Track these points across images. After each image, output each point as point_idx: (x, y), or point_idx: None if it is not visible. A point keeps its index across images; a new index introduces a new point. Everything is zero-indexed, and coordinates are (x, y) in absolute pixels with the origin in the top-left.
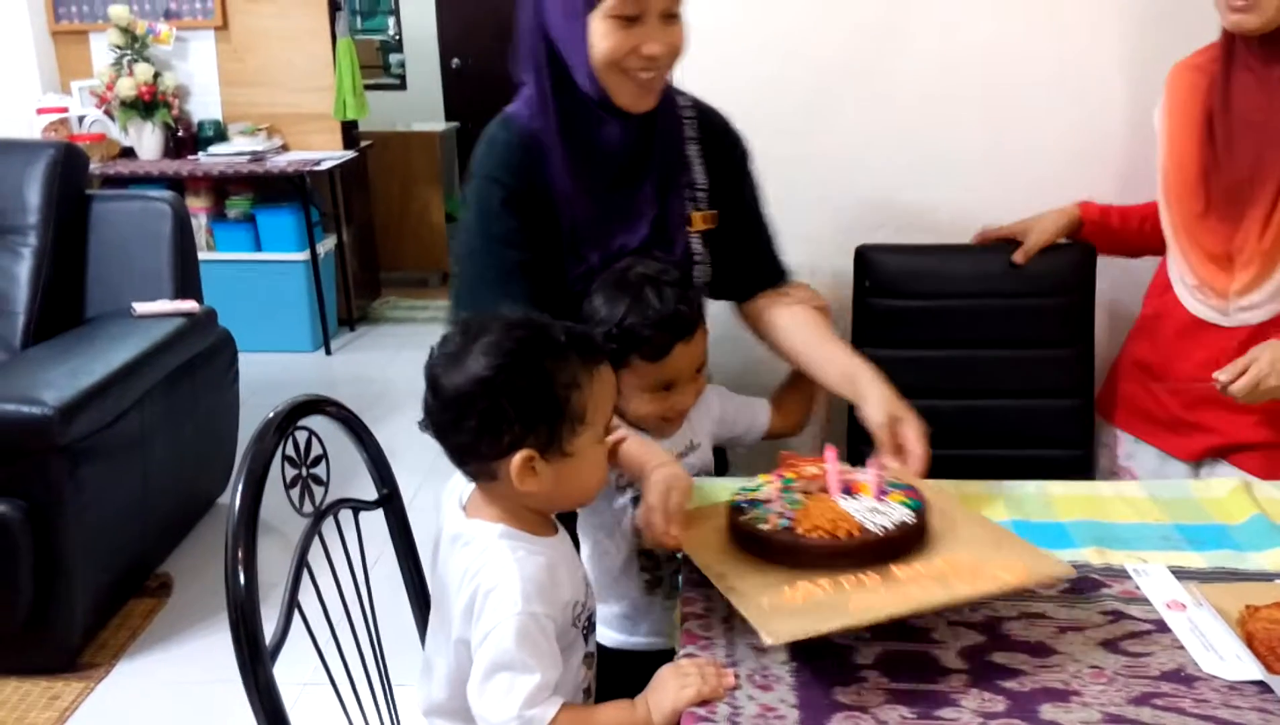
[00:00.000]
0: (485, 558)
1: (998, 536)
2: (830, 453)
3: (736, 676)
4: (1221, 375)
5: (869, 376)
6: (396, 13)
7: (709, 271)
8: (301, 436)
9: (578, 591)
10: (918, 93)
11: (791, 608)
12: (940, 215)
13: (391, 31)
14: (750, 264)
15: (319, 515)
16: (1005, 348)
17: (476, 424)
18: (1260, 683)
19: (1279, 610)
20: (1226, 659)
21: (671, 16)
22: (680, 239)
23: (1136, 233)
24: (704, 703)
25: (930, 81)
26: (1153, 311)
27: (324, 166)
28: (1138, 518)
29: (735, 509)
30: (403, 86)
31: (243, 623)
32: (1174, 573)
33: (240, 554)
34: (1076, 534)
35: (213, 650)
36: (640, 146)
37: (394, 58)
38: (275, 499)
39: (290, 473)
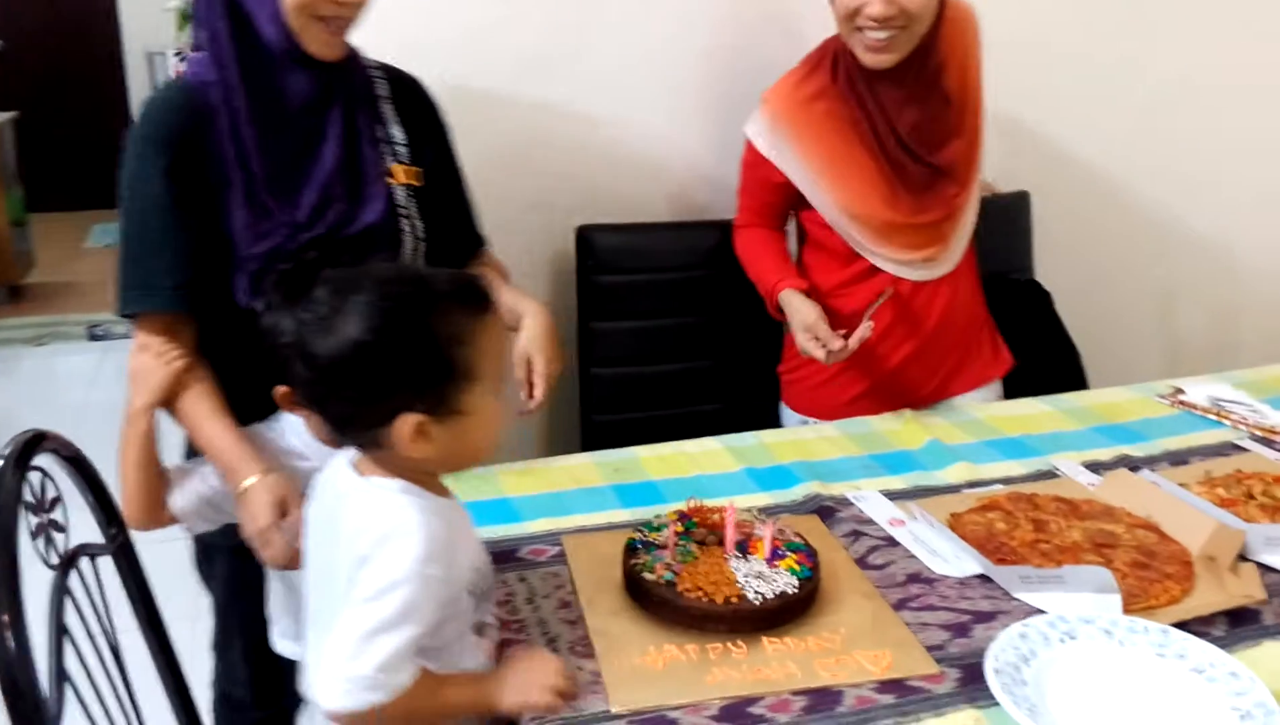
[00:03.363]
0: (383, 510)
1: (878, 616)
2: (730, 510)
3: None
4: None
5: (533, 311)
6: None
7: (421, 227)
8: (33, 479)
9: (477, 557)
10: (605, 88)
11: (650, 672)
12: (636, 199)
13: None
14: (452, 231)
15: (66, 566)
16: (706, 315)
17: (356, 393)
18: (981, 575)
19: (978, 514)
20: (950, 560)
21: None
22: (378, 193)
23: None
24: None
25: (615, 77)
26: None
27: None
28: (839, 453)
29: (630, 549)
30: None
31: (19, 693)
32: (885, 495)
33: (6, 618)
34: (799, 472)
35: None
36: (326, 98)
37: None
38: None
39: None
